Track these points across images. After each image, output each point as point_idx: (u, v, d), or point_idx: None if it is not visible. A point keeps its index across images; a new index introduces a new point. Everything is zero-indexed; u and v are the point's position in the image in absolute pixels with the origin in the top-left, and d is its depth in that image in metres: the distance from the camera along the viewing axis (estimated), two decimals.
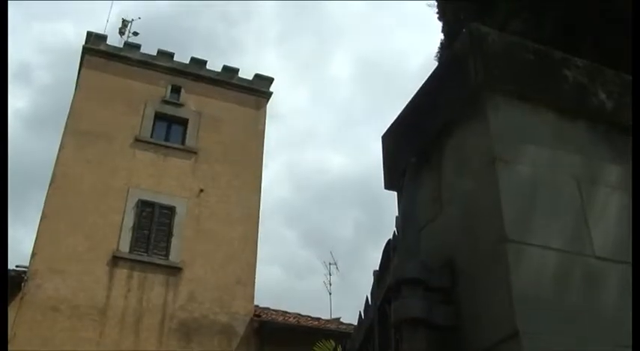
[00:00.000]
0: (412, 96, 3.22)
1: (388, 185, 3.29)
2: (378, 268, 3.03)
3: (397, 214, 2.83)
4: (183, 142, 24.87)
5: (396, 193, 3.18)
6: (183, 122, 25.41)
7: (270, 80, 27.77)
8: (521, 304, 2.32)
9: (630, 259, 2.64)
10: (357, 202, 74.24)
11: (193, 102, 25.88)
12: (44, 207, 21.54)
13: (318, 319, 23.37)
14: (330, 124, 79.03)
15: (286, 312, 23.39)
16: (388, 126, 3.37)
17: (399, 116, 3.31)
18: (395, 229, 2.77)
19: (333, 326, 21.90)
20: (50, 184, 22.03)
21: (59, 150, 22.90)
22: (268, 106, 27.26)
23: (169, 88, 25.93)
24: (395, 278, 2.54)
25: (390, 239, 2.89)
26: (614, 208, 2.77)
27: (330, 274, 26.34)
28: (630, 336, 2.44)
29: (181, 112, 25.55)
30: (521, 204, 2.54)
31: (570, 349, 2.32)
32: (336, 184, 71.13)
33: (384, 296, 2.74)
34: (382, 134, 3.41)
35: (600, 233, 2.65)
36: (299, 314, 23.34)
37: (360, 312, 3.31)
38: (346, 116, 79.35)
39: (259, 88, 27.36)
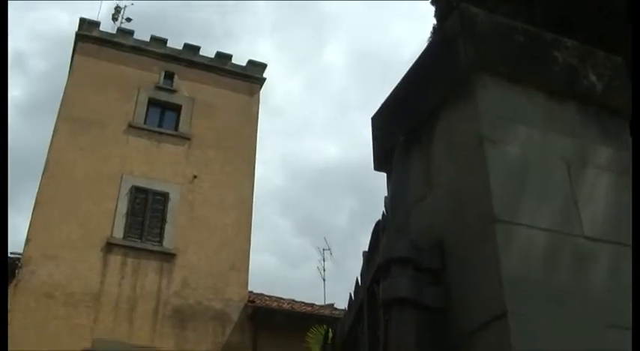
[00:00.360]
0: (402, 76, 3.21)
1: (377, 166, 3.29)
2: (367, 249, 3.03)
3: (386, 194, 2.82)
4: (176, 128, 24.80)
5: (385, 174, 3.18)
6: (177, 108, 25.33)
7: (264, 66, 27.72)
8: (510, 284, 2.32)
9: (620, 240, 2.65)
10: (351, 190, 74.25)
11: (187, 88, 25.80)
12: (38, 194, 21.50)
13: (312, 305, 23.40)
14: (325, 112, 78.87)
15: (280, 298, 23.40)
16: (378, 107, 3.37)
17: (388, 97, 3.30)
18: (384, 209, 2.77)
19: (327, 312, 21.92)
20: (44, 172, 21.98)
21: (52, 137, 22.83)
22: (263, 95, 27.24)
23: (162, 74, 25.85)
24: (384, 257, 2.53)
25: (379, 220, 2.88)
26: (604, 190, 2.77)
27: (324, 260, 26.36)
28: (620, 316, 2.44)
29: (175, 98, 25.47)
30: (510, 185, 2.54)
31: (558, 330, 2.32)
32: (331, 172, 71.10)
33: (373, 276, 2.73)
34: (372, 115, 3.41)
35: (590, 214, 2.65)
36: (293, 300, 23.36)
37: (350, 294, 3.31)
38: (341, 105, 79.19)
39: (253, 75, 27.29)
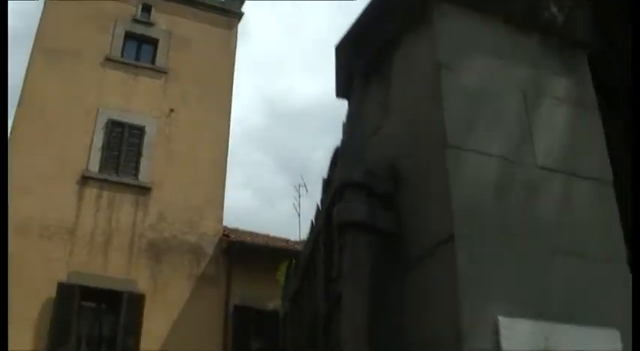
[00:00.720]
0: (364, 6, 3.21)
1: (339, 93, 3.31)
2: (326, 176, 3.05)
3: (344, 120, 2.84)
4: (153, 62, 24.57)
5: (347, 101, 3.20)
6: (154, 42, 25.05)
7: (242, 1, 27.42)
8: (459, 209, 2.35)
9: (574, 171, 2.69)
10: (330, 128, 73.92)
11: (164, 21, 25.48)
12: (13, 127, 21.32)
13: (287, 240, 23.50)
14: (304, 50, 78.24)
15: (255, 233, 23.48)
16: (341, 36, 3.37)
17: (351, 27, 3.29)
18: (342, 135, 2.79)
19: (300, 247, 22.02)
20: (18, 104, 21.75)
21: (27, 69, 22.57)
22: (243, 31, 27.01)
23: (140, 7, 25.48)
24: (340, 181, 2.57)
25: (337, 146, 2.90)
26: (560, 121, 2.80)
27: (299, 196, 26.51)
28: (566, 244, 2.49)
29: (152, 31, 25.16)
30: (465, 112, 2.56)
31: (505, 257, 2.37)
32: (310, 109, 70.74)
33: (330, 201, 2.76)
34: (336, 44, 3.41)
35: (544, 144, 2.68)
36: (267, 235, 23.47)
37: (311, 220, 3.34)
38: (321, 43, 78.51)
39: (231, 9, 27.00)
